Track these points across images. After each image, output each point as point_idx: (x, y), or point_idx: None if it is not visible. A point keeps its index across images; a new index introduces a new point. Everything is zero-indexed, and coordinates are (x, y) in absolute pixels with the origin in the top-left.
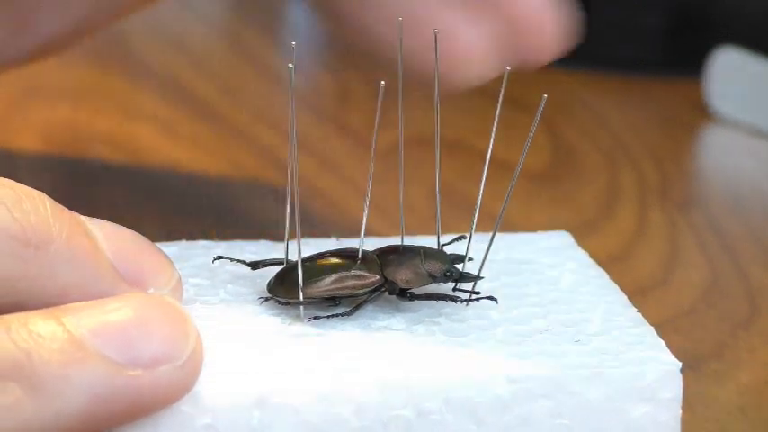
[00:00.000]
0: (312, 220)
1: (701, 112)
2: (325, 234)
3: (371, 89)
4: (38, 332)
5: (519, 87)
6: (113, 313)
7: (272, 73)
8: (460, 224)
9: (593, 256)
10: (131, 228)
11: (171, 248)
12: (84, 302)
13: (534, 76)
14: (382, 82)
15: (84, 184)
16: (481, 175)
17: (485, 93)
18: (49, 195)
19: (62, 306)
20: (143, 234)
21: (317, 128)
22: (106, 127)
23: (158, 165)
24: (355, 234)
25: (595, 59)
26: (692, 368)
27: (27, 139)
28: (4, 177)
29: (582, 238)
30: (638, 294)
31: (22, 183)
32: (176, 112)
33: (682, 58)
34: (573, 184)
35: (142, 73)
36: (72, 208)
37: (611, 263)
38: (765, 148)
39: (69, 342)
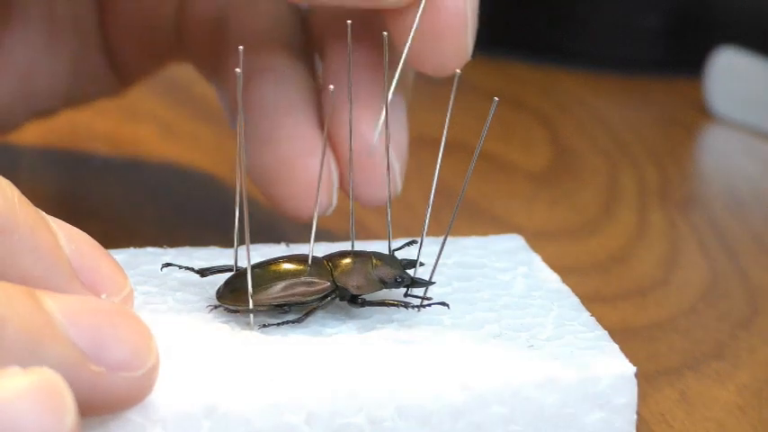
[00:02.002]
0: (311, 222)
1: (701, 112)
2: (327, 236)
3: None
4: (13, 302)
5: (518, 87)
6: (89, 307)
7: None
8: (460, 226)
9: (593, 255)
10: (130, 229)
11: (120, 255)
12: (61, 293)
13: (533, 76)
14: (331, 87)
15: (83, 184)
16: (482, 176)
17: (485, 93)
18: (48, 195)
19: (41, 289)
20: (142, 235)
21: None
22: (106, 127)
23: (158, 165)
24: (357, 236)
25: (595, 59)
26: (691, 368)
27: (27, 139)
28: (4, 176)
29: (582, 238)
30: (638, 294)
31: (21, 182)
32: (176, 112)
33: (682, 58)
34: (573, 185)
35: None
36: (71, 208)
37: (612, 263)
38: (765, 148)
39: (43, 319)
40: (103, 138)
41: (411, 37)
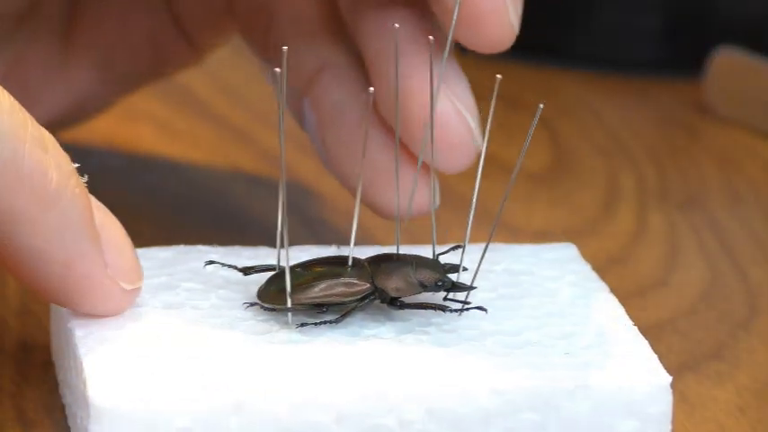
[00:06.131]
0: (314, 223)
1: (701, 112)
2: (327, 238)
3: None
4: None
5: (517, 87)
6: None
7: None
8: (460, 226)
9: (592, 256)
10: (129, 229)
11: (167, 252)
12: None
13: (533, 76)
14: (371, 89)
15: None
16: (482, 176)
17: (484, 93)
18: None
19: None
20: (141, 235)
21: None
22: (104, 126)
23: (157, 165)
24: (358, 239)
25: (595, 59)
26: (691, 368)
27: None
28: None
29: (581, 238)
30: (637, 295)
31: None
32: (176, 112)
33: (682, 58)
34: (572, 185)
35: None
36: None
37: (611, 264)
38: (765, 148)
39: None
40: (102, 137)
41: (454, 20)
